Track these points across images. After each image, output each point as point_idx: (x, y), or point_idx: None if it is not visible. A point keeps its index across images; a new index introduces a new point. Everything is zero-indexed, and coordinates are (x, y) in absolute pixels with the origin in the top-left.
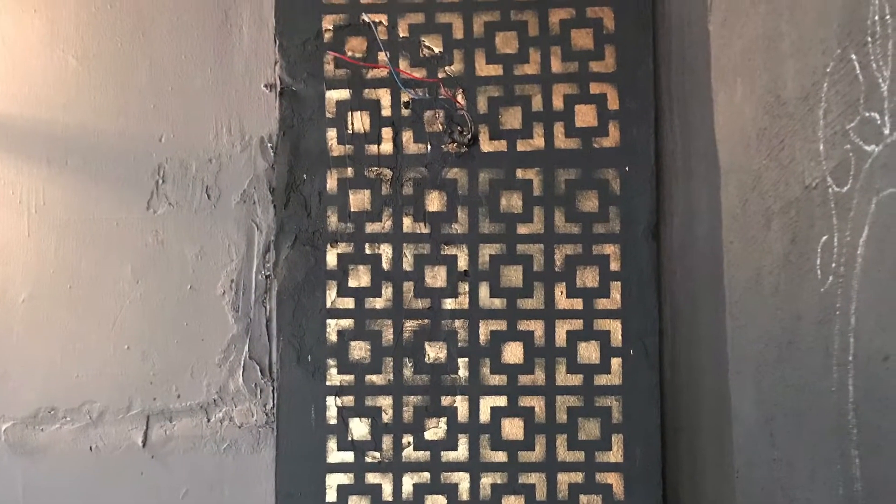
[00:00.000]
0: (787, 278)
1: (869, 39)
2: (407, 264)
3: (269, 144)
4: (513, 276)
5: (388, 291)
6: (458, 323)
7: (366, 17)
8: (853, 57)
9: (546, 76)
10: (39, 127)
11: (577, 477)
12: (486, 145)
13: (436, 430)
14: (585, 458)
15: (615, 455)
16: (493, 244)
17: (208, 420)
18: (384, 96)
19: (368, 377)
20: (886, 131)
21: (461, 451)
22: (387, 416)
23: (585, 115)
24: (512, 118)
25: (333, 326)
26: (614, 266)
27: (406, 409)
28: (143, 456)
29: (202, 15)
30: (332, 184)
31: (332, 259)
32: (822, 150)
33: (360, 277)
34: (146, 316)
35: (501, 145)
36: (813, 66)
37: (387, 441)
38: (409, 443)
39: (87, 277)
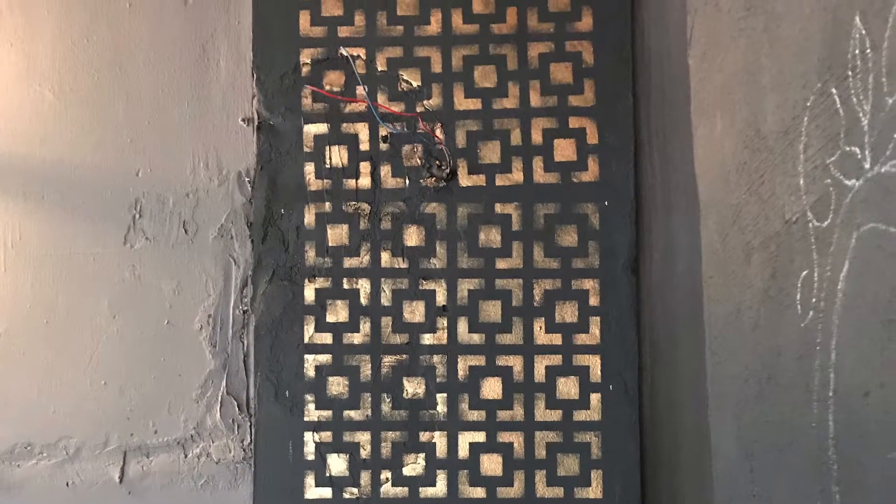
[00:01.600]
0: (767, 313)
1: (849, 73)
2: (385, 299)
3: (247, 179)
4: (491, 311)
5: (366, 326)
6: (436, 358)
7: (344, 51)
8: (833, 91)
9: (525, 110)
10: (16, 161)
11: None
12: (465, 179)
13: (414, 465)
14: (564, 494)
15: (594, 491)
16: (471, 279)
17: (185, 456)
18: (362, 130)
19: (346, 413)
20: (867, 165)
21: (440, 487)
22: (365, 452)
23: (565, 150)
24: (491, 152)
25: (311, 362)
26: (593, 301)
27: (384, 444)
28: (121, 492)
29: (179, 49)
30: (309, 218)
31: (309, 294)
32: (802, 184)
33: (338, 312)
34: (123, 351)
35: (480, 179)
36: (793, 100)
37: (365, 477)
38: (387, 478)
39: (63, 312)
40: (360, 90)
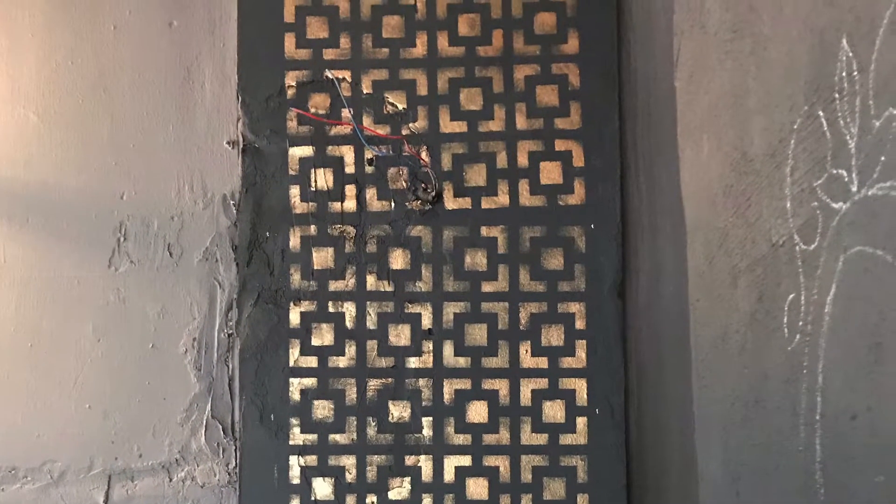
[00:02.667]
0: (753, 337)
1: (836, 96)
2: (371, 322)
3: (232, 202)
4: (477, 334)
5: (351, 350)
6: (422, 382)
7: (329, 74)
8: (820, 113)
9: (511, 133)
10: (0, 184)
11: None
12: (451, 202)
13: (400, 489)
14: None
15: None
16: (457, 302)
17: (170, 479)
18: (347, 153)
19: (332, 436)
20: (854, 188)
21: None
22: (350, 476)
23: (551, 172)
24: (476, 175)
25: (296, 385)
26: (580, 324)
27: (370, 468)
28: None
29: (164, 72)
30: (295, 241)
31: (295, 317)
32: (788, 207)
33: (324, 336)
34: (107, 374)
35: (466, 202)
36: (780, 123)
37: (350, 501)
38: (372, 502)
39: (48, 336)
40: (346, 113)
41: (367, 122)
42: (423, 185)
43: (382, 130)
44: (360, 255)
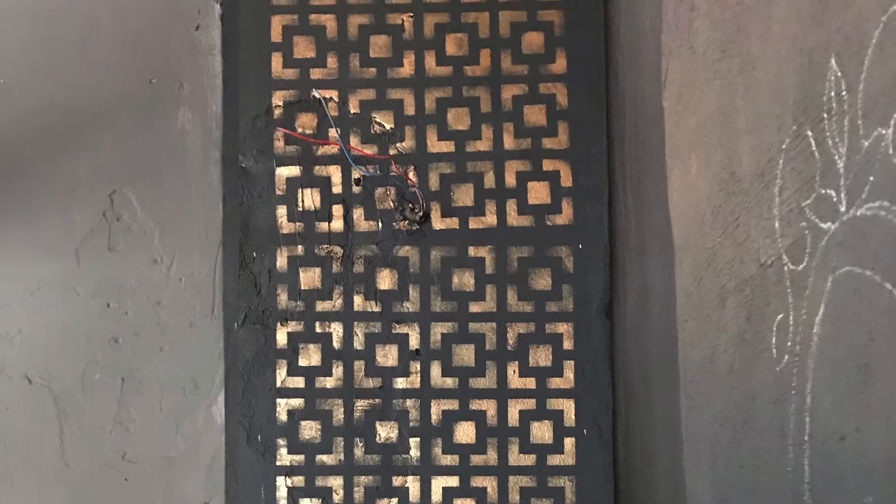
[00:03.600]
0: (742, 357)
1: (825, 116)
2: (358, 343)
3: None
4: (465, 354)
5: (338, 370)
6: (409, 402)
7: (316, 93)
8: (809, 133)
9: (499, 153)
10: None
11: None
12: (438, 223)
13: None
14: None
15: None
16: (444, 323)
17: None
18: (335, 173)
19: (319, 457)
20: (842, 209)
21: None
22: (337, 497)
23: (538, 193)
24: (464, 195)
25: (283, 406)
26: (567, 345)
27: (357, 489)
28: None
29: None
30: (282, 261)
31: (282, 338)
32: (777, 227)
33: (311, 356)
34: None
35: (453, 223)
36: (768, 143)
37: None
38: None
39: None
40: (333, 132)
41: (354, 141)
42: (410, 204)
43: (370, 150)
44: (347, 275)
